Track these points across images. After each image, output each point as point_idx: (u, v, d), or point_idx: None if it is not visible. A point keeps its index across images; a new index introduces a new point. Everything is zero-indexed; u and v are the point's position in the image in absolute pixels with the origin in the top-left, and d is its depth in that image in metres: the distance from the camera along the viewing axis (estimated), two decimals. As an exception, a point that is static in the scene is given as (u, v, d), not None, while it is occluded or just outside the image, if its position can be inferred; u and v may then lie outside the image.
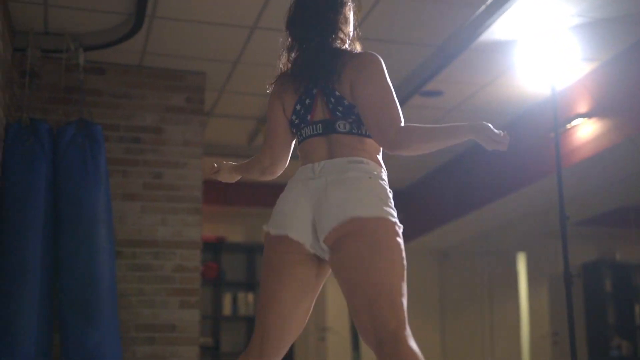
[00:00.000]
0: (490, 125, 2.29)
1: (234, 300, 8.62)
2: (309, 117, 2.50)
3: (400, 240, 2.34)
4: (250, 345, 2.45)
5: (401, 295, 2.27)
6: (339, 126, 2.45)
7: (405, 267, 2.33)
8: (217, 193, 8.16)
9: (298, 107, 2.52)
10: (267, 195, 8.47)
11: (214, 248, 8.68)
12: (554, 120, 4.80)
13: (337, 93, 2.45)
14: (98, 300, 4.81)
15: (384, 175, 2.44)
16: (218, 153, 7.18)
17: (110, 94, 5.59)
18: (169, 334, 5.37)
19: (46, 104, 5.35)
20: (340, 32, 2.56)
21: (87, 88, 5.47)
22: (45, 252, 4.78)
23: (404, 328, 2.23)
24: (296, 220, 2.38)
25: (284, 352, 2.46)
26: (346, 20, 2.61)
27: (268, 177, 2.72)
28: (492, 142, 2.29)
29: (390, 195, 2.39)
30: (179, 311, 5.42)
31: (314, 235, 2.39)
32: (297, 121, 2.53)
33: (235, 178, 2.84)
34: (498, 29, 5.10)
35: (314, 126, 2.48)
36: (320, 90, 2.48)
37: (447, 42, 5.28)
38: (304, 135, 2.52)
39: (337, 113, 2.45)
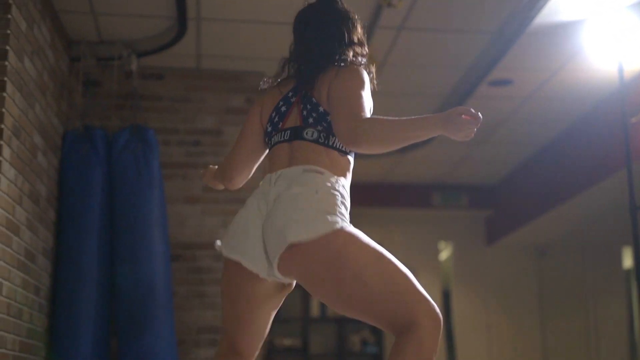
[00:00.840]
0: (457, 112, 2.13)
1: (322, 302, 8.54)
2: (280, 125, 2.44)
3: (355, 238, 2.19)
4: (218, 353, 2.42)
5: (394, 285, 2.14)
6: (306, 133, 2.36)
7: (379, 252, 2.19)
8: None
9: (273, 114, 2.48)
10: (362, 194, 8.38)
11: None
12: (620, 102, 4.52)
13: (314, 100, 2.39)
14: (152, 303, 4.84)
15: (340, 186, 2.30)
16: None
17: (169, 98, 5.63)
18: (231, 336, 5.34)
19: (105, 111, 5.45)
20: (342, 50, 2.48)
21: (147, 93, 5.55)
22: (102, 257, 4.86)
23: (422, 309, 2.13)
24: (250, 245, 2.29)
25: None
26: (349, 39, 2.51)
27: (230, 187, 2.64)
28: (459, 134, 2.15)
29: (342, 202, 2.26)
30: (241, 313, 5.38)
31: (268, 261, 2.29)
32: (269, 129, 2.48)
33: (219, 184, 2.75)
34: (562, 9, 4.81)
35: (283, 133, 2.41)
36: (299, 98, 2.43)
37: (504, 26, 5.02)
38: (272, 143, 2.46)
39: (309, 119, 2.37)
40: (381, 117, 2.20)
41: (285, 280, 2.34)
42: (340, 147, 2.35)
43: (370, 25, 4.87)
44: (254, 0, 4.76)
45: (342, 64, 2.43)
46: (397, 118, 2.18)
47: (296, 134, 2.36)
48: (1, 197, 3.81)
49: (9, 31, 3.91)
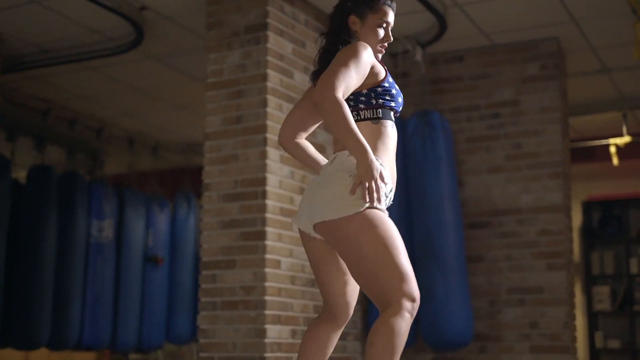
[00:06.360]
0: (377, 171, 2.48)
1: None
2: None
3: (368, 225, 2.52)
4: (322, 312, 2.89)
5: (388, 266, 2.50)
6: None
7: (382, 240, 2.51)
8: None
9: None
10: None
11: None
12: None
13: None
14: (444, 264, 5.38)
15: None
16: (585, 112, 7.00)
17: (470, 77, 6.04)
18: (538, 296, 5.59)
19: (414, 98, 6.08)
20: (343, 35, 2.81)
21: (450, 76, 6.06)
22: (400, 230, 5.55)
23: (401, 294, 2.48)
24: (301, 212, 2.75)
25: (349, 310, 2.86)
26: (349, 26, 2.81)
27: None
28: (365, 176, 2.48)
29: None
30: (547, 273, 5.59)
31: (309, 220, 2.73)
32: None
33: None
34: None
35: None
36: None
37: None
38: None
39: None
40: (345, 108, 2.48)
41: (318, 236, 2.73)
42: (369, 116, 2.69)
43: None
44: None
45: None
46: (349, 120, 2.47)
47: None
48: (274, 192, 4.77)
49: (268, 57, 4.83)
